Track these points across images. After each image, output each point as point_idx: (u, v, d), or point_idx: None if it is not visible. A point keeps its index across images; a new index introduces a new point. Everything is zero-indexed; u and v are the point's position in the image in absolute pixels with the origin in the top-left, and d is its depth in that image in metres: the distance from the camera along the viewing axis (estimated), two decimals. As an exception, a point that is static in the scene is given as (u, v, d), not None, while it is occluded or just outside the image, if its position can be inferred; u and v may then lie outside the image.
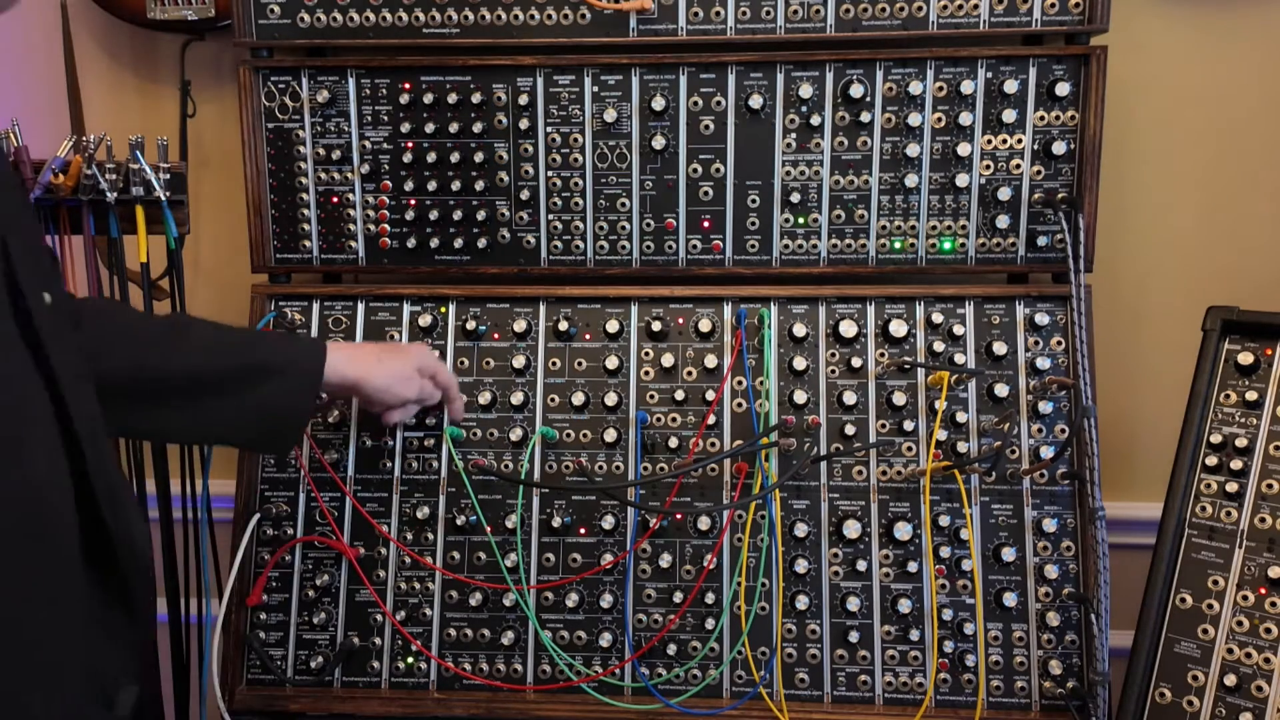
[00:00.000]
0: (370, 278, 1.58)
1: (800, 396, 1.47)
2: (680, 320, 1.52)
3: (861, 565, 1.44)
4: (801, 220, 1.51)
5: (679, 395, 1.49)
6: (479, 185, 1.53)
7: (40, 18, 1.71)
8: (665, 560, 1.46)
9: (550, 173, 1.52)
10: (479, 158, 1.52)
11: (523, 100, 1.51)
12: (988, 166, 1.48)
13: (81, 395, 0.94)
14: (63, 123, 1.68)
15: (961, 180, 1.48)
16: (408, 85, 1.51)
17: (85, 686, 0.93)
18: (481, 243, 1.54)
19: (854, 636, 1.44)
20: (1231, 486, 1.37)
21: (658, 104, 1.48)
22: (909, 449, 1.47)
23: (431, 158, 1.52)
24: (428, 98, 1.51)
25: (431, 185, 1.53)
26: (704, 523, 1.47)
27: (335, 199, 1.55)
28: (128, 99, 1.76)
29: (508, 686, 1.46)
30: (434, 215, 1.54)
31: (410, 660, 1.48)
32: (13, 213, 0.92)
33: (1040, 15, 1.43)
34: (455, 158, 1.52)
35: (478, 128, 1.52)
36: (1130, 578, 1.50)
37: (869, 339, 1.49)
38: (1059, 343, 1.48)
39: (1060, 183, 1.48)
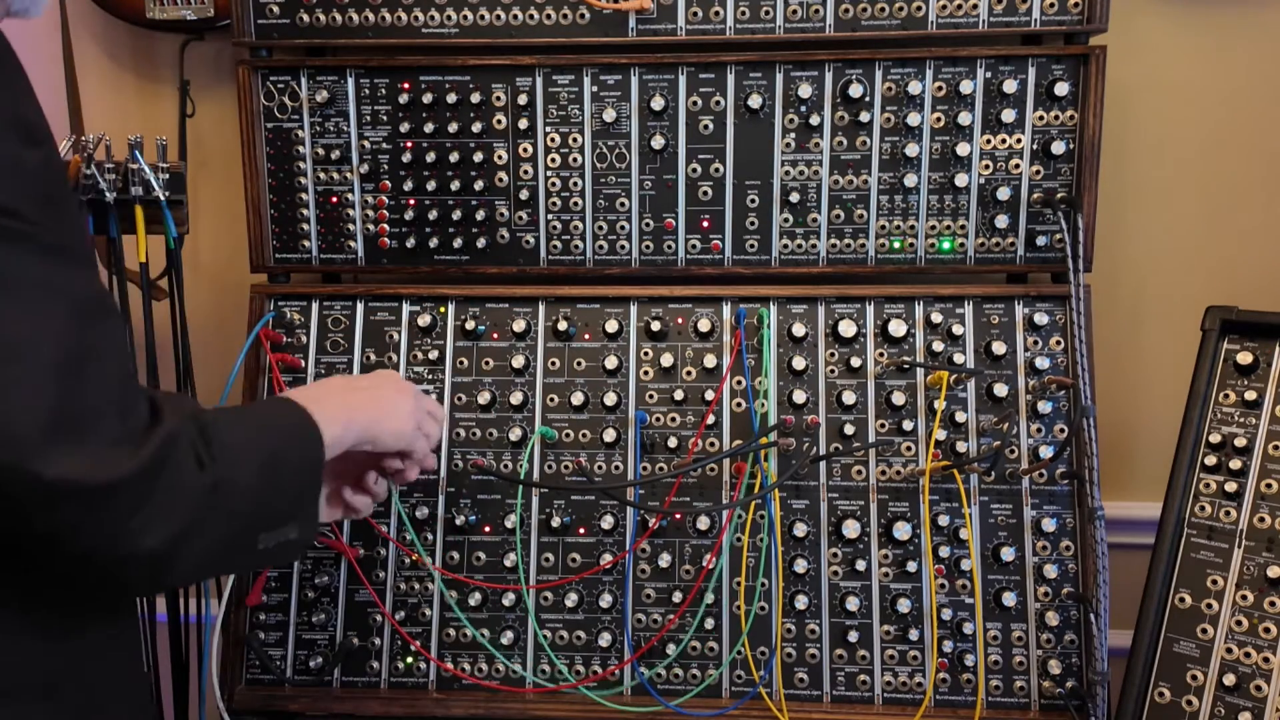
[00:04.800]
0: (369, 278, 1.58)
1: (799, 396, 1.47)
2: (679, 320, 1.52)
3: (861, 565, 1.44)
4: (801, 220, 1.51)
5: (678, 395, 1.49)
6: (478, 185, 1.52)
7: (39, 17, 1.71)
8: (664, 560, 1.46)
9: (549, 173, 1.52)
10: (478, 158, 1.52)
11: (522, 100, 1.51)
12: (987, 166, 1.48)
13: None
14: (61, 122, 1.68)
15: (961, 180, 1.48)
16: (407, 85, 1.51)
17: None
18: (481, 243, 1.54)
19: (853, 636, 1.44)
20: (1230, 486, 1.37)
21: (657, 104, 1.48)
22: (908, 449, 1.47)
23: (431, 158, 1.52)
24: (427, 98, 1.51)
25: (431, 185, 1.53)
26: (703, 522, 1.47)
27: (334, 199, 1.55)
28: (127, 99, 1.76)
29: (507, 688, 1.46)
30: (433, 215, 1.54)
31: (409, 660, 1.48)
32: None
33: (1039, 15, 1.43)
34: (454, 158, 1.52)
35: (477, 128, 1.52)
36: (1129, 577, 1.50)
37: (868, 339, 1.49)
38: (1058, 342, 1.48)
39: (1059, 182, 1.48)
